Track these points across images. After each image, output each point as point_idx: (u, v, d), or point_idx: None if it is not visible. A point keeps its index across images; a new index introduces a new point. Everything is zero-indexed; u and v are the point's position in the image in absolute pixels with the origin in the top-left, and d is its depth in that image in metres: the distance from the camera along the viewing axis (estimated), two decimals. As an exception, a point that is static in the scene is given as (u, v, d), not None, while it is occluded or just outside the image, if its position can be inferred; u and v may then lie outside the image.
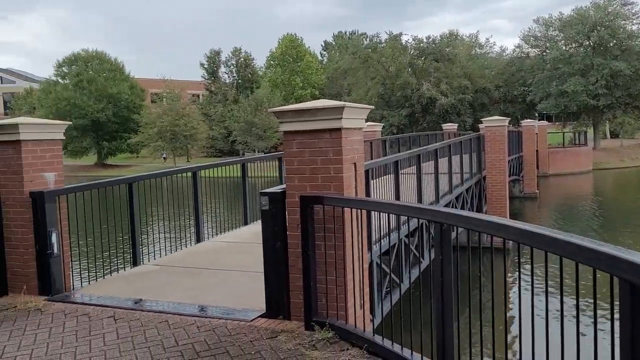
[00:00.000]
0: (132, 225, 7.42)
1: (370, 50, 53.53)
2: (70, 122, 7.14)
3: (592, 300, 2.43)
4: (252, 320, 4.89)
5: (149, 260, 7.58)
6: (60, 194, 6.17)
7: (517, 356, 2.81)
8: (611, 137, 59.07)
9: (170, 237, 8.63)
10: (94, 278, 6.77)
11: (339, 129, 4.57)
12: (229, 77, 64.77)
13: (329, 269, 4.56)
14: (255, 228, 9.52)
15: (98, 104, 56.99)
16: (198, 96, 68.69)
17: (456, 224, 3.27)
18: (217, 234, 9.31)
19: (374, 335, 4.18)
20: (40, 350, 4.43)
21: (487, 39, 79.36)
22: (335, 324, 4.45)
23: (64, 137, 6.45)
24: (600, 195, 30.53)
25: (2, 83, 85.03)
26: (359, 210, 4.60)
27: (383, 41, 54.37)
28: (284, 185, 4.95)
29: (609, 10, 47.55)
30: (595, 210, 24.71)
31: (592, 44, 47.32)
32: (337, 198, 4.50)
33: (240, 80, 63.51)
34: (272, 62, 65.57)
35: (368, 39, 59.71)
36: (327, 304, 4.58)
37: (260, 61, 76.50)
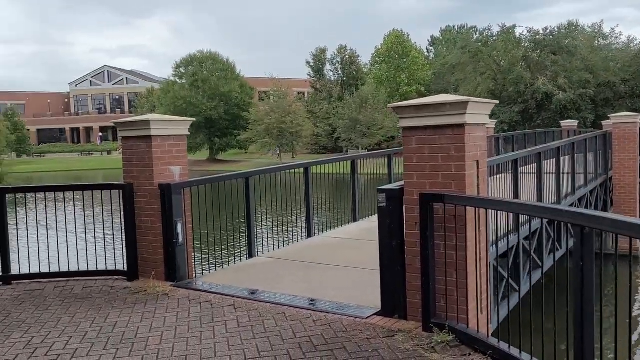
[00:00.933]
0: (248, 218, 7.69)
1: (480, 44, 51.49)
2: (194, 119, 7.53)
3: None
4: (367, 318, 4.86)
5: (262, 253, 7.82)
6: (185, 186, 6.53)
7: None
8: None
9: (281, 231, 8.85)
10: (214, 267, 7.10)
11: (462, 125, 4.39)
12: (334, 74, 65.52)
13: (448, 270, 4.40)
14: (364, 225, 9.51)
15: (211, 102, 60.11)
16: (303, 94, 70.23)
17: (600, 228, 2.99)
18: (326, 230, 9.40)
19: (499, 341, 3.96)
20: (169, 333, 4.70)
21: (612, 29, 72.87)
22: (455, 327, 4.28)
23: (188, 133, 6.82)
24: None
25: (127, 84, 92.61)
26: (481, 210, 4.39)
27: (495, 34, 52.07)
28: (402, 182, 4.85)
29: None
30: None
31: None
32: (460, 196, 4.32)
33: (345, 78, 63.98)
34: (377, 59, 65.27)
35: (478, 33, 57.54)
36: (446, 306, 4.42)
37: (365, 58, 76.37)
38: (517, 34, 51.18)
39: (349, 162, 10.49)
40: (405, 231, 4.73)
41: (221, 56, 65.28)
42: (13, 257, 6.64)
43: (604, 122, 21.76)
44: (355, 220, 10.16)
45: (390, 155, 11.26)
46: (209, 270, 7.04)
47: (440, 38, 76.99)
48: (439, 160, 4.52)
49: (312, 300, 5.47)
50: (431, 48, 77.55)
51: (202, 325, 4.85)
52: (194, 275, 6.61)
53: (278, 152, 56.54)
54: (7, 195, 6.79)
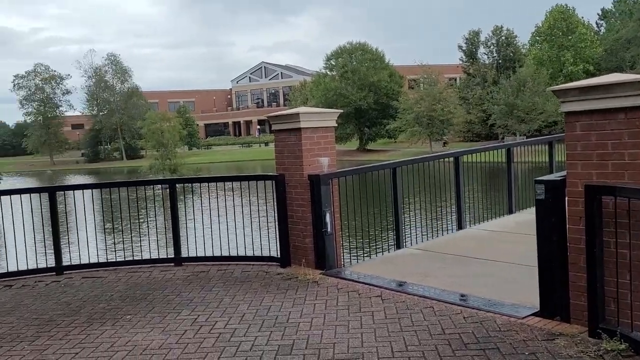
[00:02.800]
0: (395, 208, 7.61)
1: (661, 13, 45.30)
2: (342, 110, 7.64)
3: None
4: (523, 318, 4.53)
5: (411, 244, 7.70)
6: (333, 177, 6.65)
7: None
8: None
9: (430, 223, 8.63)
10: (361, 257, 7.17)
11: (638, 108, 3.85)
12: (488, 57, 62.33)
13: (620, 271, 3.91)
14: (521, 217, 8.90)
15: (360, 93, 60.88)
16: (455, 80, 67.90)
17: None
18: (478, 222, 8.97)
19: (684, 356, 3.43)
20: (318, 320, 4.83)
21: None
22: (629, 335, 3.80)
23: (336, 125, 6.92)
24: None
25: (282, 78, 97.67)
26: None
27: (679, 1, 45.40)
28: (564, 173, 4.42)
29: None
30: None
31: None
32: (635, 189, 3.80)
33: (500, 61, 60.55)
34: (537, 37, 60.66)
35: (658, 1, 50.61)
36: (617, 311, 3.94)
37: (523, 38, 71.52)
38: None
39: (503, 150, 9.88)
40: (567, 226, 4.30)
41: (370, 46, 65.74)
42: (182, 241, 7.34)
43: None
44: (510, 212, 9.55)
45: (552, 142, 10.38)
46: (357, 260, 7.13)
47: (613, 10, 69.07)
48: (609, 148, 4.02)
49: (462, 295, 5.25)
50: (601, 22, 69.96)
51: (349, 315, 4.91)
52: (342, 264, 6.73)
53: (445, 140, 55.21)
54: (177, 185, 7.53)
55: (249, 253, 7.26)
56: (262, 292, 5.79)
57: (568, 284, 4.31)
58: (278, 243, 6.82)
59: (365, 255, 7.26)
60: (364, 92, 60.99)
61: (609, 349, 3.79)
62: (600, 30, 66.07)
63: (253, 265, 6.93)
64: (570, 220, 4.28)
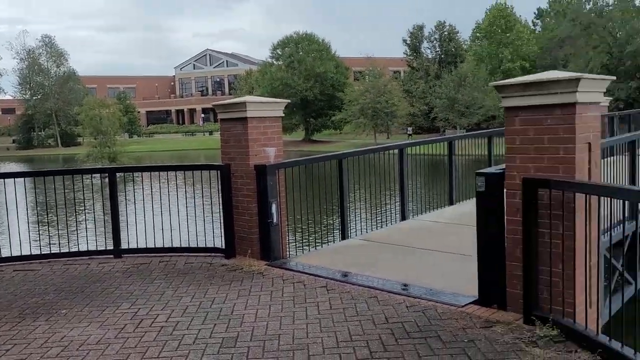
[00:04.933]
0: (341, 199, 7.67)
1: (594, 14, 47.62)
2: (289, 100, 7.59)
3: None
4: (463, 306, 4.67)
5: (356, 235, 7.79)
6: (280, 167, 6.62)
7: None
8: None
9: (375, 214, 8.76)
10: (307, 248, 7.18)
11: (572, 104, 4.02)
12: (431, 52, 63.71)
13: (554, 260, 4.10)
14: (462, 209, 9.17)
15: (306, 83, 60.88)
16: (399, 73, 69.00)
17: None
18: (421, 213, 9.17)
19: (610, 339, 3.64)
20: (263, 311, 4.81)
21: None
22: (560, 321, 3.99)
23: (283, 115, 6.87)
24: None
25: (227, 66, 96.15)
26: (592, 197, 4.01)
27: (610, 4, 47.89)
28: (502, 166, 4.57)
29: None
30: None
31: None
32: (568, 182, 3.98)
33: (443, 55, 62.01)
34: (478, 34, 62.47)
35: (591, 3, 53.16)
36: (550, 298, 4.13)
37: (465, 34, 73.44)
38: (637, 2, 46.74)
39: (446, 143, 10.13)
40: (506, 217, 4.46)
41: (317, 37, 65.72)
42: (122, 232, 7.11)
43: None
44: (452, 203, 9.83)
45: (491, 136, 10.72)
46: (303, 251, 7.14)
47: (548, 10, 72.03)
48: (545, 142, 4.19)
49: (405, 285, 5.36)
50: (537, 21, 72.83)
51: (295, 306, 4.91)
52: (287, 255, 6.72)
53: (410, 132, 55.80)
54: (117, 174, 7.27)
55: (193, 244, 7.12)
56: (205, 283, 5.70)
57: (505, 274, 4.47)
58: (223, 234, 6.73)
59: (311, 246, 7.27)
60: (310, 83, 61.02)
61: (542, 335, 3.96)
62: (536, 29, 68.75)
63: (197, 256, 6.81)
64: (508, 212, 4.43)
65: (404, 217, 8.71)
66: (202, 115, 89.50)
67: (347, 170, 7.73)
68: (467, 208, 8.30)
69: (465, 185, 10.09)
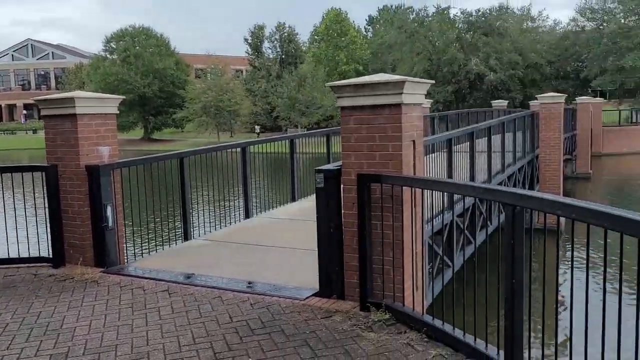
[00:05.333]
0: (183, 199, 7.46)
1: (416, 24, 52.25)
2: (124, 97, 7.17)
3: None
4: (305, 299, 4.83)
5: (199, 235, 7.63)
6: (115, 167, 6.22)
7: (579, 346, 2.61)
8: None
9: (219, 213, 8.66)
10: (147, 251, 6.85)
11: (398, 105, 4.38)
12: (272, 52, 64.62)
13: (385, 249, 4.43)
14: (304, 204, 9.48)
15: (145, 79, 57.98)
16: (242, 72, 68.96)
17: (530, 207, 3.06)
18: (265, 210, 9.29)
19: (433, 318, 4.03)
20: (98, 322, 4.49)
21: (539, 12, 76.10)
22: (391, 306, 4.33)
23: (118, 112, 6.48)
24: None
25: (53, 58, 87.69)
26: (417, 190, 4.42)
27: (430, 15, 52.96)
28: (339, 163, 4.81)
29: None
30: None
31: (653, 16, 44.73)
32: (396, 176, 4.33)
33: (284, 56, 63.27)
34: (316, 37, 64.93)
35: (414, 13, 58.27)
36: (383, 285, 4.46)
37: (304, 36, 75.92)
38: (452, 15, 52.33)
39: (287, 141, 10.38)
40: (343, 211, 4.71)
41: (154, 31, 62.93)
42: None
43: (531, 103, 22.64)
44: (294, 199, 10.11)
45: (329, 135, 11.24)
46: (142, 254, 6.79)
47: (378, 17, 77.47)
48: (377, 140, 4.50)
49: (249, 282, 5.38)
50: (369, 27, 77.95)
51: (133, 313, 4.66)
52: (125, 260, 6.36)
53: (258, 131, 55.19)
54: None
55: (14, 255, 6.38)
56: (30, 297, 5.15)
57: (343, 265, 4.72)
58: (50, 241, 6.14)
59: (152, 249, 6.95)
60: (148, 79, 58.20)
61: (376, 319, 4.26)
62: (368, 35, 73.55)
63: (19, 268, 6.13)
64: (345, 206, 4.68)
65: (247, 215, 8.75)
66: (24, 111, 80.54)
67: (189, 170, 7.54)
68: (309, 204, 8.59)
69: (307, 182, 10.43)
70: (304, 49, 65.60)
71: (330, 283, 4.84)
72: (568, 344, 2.91)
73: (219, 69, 56.96)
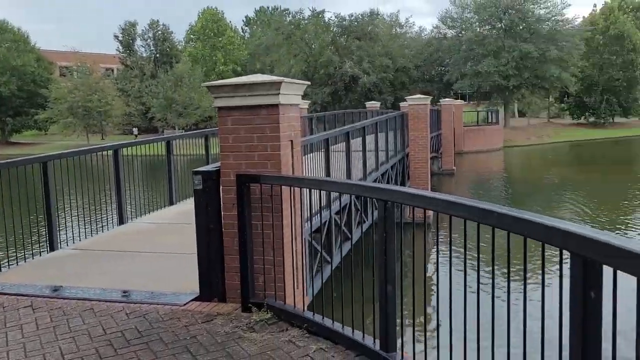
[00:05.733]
0: (47, 207, 6.91)
1: (293, 26, 53.04)
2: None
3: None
4: (185, 305, 4.70)
5: (67, 245, 7.11)
6: (-36, 174, 5.60)
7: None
8: (519, 116, 62.48)
9: (90, 220, 8.14)
10: (6, 265, 6.25)
11: (276, 105, 4.42)
12: (146, 50, 61.98)
13: (266, 249, 4.45)
14: (182, 208, 9.21)
15: (0, 77, 52.78)
16: (112, 70, 65.25)
17: (400, 201, 3.25)
18: (141, 215, 8.89)
19: (313, 314, 4.13)
20: (-53, 347, 4.01)
21: (406, 19, 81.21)
22: (273, 305, 4.36)
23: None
24: (510, 171, 32.43)
25: None
26: (295, 189, 4.50)
27: (306, 18, 54.03)
28: (218, 164, 4.75)
29: (520, -6, 49.84)
30: (505, 185, 26.43)
31: (503, 26, 49.54)
32: (275, 176, 4.37)
33: (158, 55, 60.96)
34: (192, 36, 63.39)
35: (291, 15, 59.10)
36: (264, 285, 4.47)
37: (179, 35, 73.67)
38: (327, 19, 53.86)
39: (163, 143, 10.01)
40: (222, 213, 4.65)
41: (11, 25, 57.43)
42: None
43: (401, 104, 24.03)
44: (172, 203, 9.78)
45: (207, 136, 11.03)
46: (1, 268, 6.18)
47: (255, 18, 77.50)
48: (255, 140, 4.50)
49: (124, 291, 5.12)
50: (246, 28, 77.70)
51: (-9, 333, 4.23)
52: (-20, 276, 5.74)
53: (136, 133, 51.78)
54: None
55: None
56: None
57: (224, 267, 4.67)
58: None
59: (11, 263, 6.35)
60: (4, 77, 52.97)
61: (258, 319, 4.27)
62: (246, 35, 73.32)
63: None
64: (224, 207, 4.63)
65: (122, 221, 8.31)
66: None
67: (54, 175, 7.00)
68: (188, 207, 8.37)
69: (186, 184, 10.15)
70: (180, 48, 63.74)
71: (211, 286, 4.76)
72: (436, 327, 3.13)
73: (87, 67, 53.41)
